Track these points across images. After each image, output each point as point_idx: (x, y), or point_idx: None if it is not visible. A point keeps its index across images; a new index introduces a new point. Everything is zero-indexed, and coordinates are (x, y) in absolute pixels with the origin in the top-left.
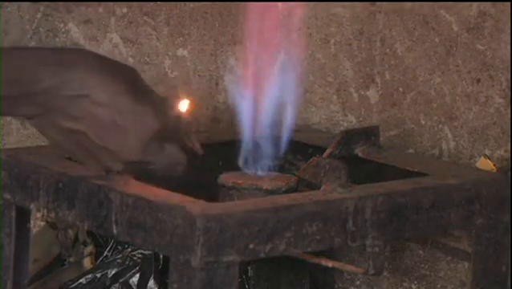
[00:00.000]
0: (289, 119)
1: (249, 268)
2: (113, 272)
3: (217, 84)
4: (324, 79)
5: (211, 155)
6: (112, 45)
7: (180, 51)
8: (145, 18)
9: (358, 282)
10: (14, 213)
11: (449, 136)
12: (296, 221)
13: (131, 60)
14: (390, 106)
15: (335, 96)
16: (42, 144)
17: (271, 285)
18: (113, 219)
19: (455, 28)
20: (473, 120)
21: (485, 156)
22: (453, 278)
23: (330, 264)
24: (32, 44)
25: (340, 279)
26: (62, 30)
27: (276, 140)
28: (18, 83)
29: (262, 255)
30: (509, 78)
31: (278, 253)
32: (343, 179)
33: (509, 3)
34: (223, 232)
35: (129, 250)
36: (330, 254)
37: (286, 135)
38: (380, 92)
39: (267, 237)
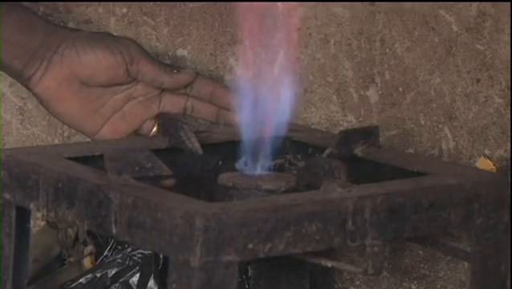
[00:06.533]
0: (288, 118)
1: (248, 268)
2: (113, 272)
3: None
4: (324, 79)
5: (211, 155)
6: None
7: (180, 51)
8: (145, 18)
9: (358, 282)
10: (13, 213)
11: (449, 136)
12: (295, 221)
13: None
14: (390, 106)
15: (334, 96)
16: (42, 144)
17: (271, 285)
18: (112, 219)
19: (455, 28)
20: (472, 120)
21: (485, 155)
22: (452, 278)
23: (329, 264)
24: None
25: (340, 279)
26: None
27: (275, 140)
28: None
29: (262, 255)
30: (509, 78)
31: (277, 253)
32: (343, 179)
33: (509, 3)
34: (222, 232)
35: (129, 250)
36: (329, 253)
37: (285, 135)
38: (380, 92)
39: (266, 237)
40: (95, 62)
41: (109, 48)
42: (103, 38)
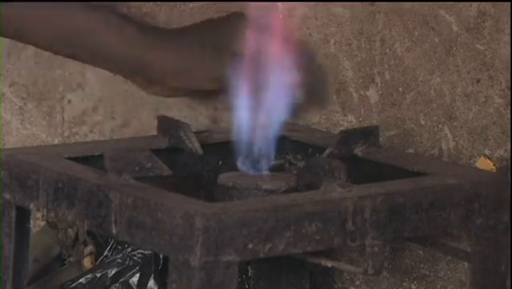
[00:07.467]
0: (288, 118)
1: (248, 268)
2: (113, 272)
3: None
4: None
5: (211, 155)
6: None
7: None
8: (145, 18)
9: (358, 282)
10: (14, 213)
11: (449, 136)
12: (295, 221)
13: None
14: (390, 106)
15: (334, 96)
16: (42, 144)
17: (271, 285)
18: (112, 219)
19: (455, 28)
20: (472, 120)
21: (485, 155)
22: (452, 278)
23: (329, 264)
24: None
25: (340, 279)
26: None
27: (275, 139)
28: None
29: (262, 255)
30: (509, 78)
31: (277, 253)
32: (343, 179)
33: (509, 3)
34: (222, 232)
35: (129, 250)
36: (329, 253)
37: (284, 134)
38: (380, 92)
39: (266, 237)
40: (183, 89)
41: (197, 83)
42: (193, 62)
